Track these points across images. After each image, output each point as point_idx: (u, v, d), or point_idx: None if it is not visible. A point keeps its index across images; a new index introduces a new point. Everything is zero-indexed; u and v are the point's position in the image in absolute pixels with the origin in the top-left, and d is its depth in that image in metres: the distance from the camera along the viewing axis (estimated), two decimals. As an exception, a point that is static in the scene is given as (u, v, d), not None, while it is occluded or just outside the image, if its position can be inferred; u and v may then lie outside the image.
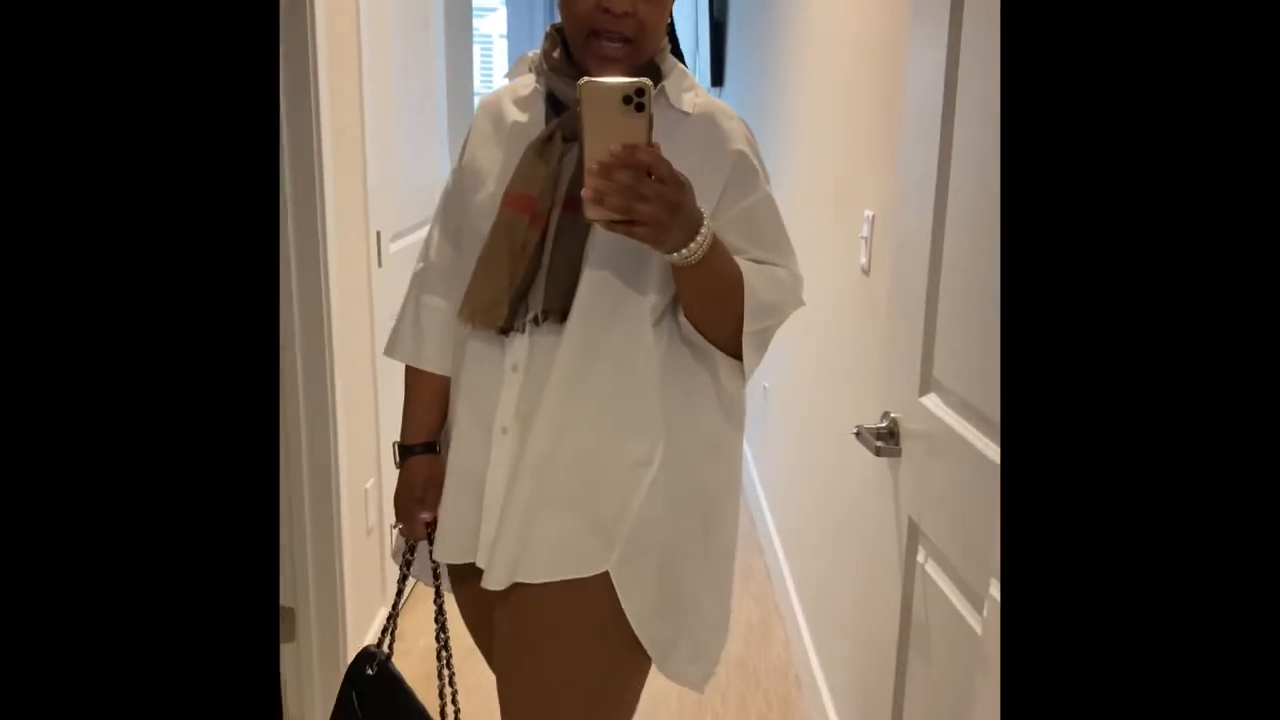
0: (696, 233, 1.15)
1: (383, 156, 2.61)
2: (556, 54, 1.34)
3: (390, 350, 1.53)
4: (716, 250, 1.20)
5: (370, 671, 1.52)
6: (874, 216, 1.89)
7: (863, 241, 1.93)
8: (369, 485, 2.56)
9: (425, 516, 1.47)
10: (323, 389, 2.19)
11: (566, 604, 1.33)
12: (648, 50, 1.29)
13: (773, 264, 1.32)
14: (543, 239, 1.27)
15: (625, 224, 1.11)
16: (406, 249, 2.80)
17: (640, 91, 1.08)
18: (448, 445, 1.43)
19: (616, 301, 1.28)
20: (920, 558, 1.44)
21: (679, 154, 1.20)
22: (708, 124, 1.32)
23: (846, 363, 2.05)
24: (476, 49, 6.52)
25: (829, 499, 2.34)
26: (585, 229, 1.25)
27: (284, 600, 2.25)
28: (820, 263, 2.42)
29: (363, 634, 2.47)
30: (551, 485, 1.31)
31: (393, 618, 1.58)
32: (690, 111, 1.32)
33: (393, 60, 2.70)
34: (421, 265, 1.50)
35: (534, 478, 1.31)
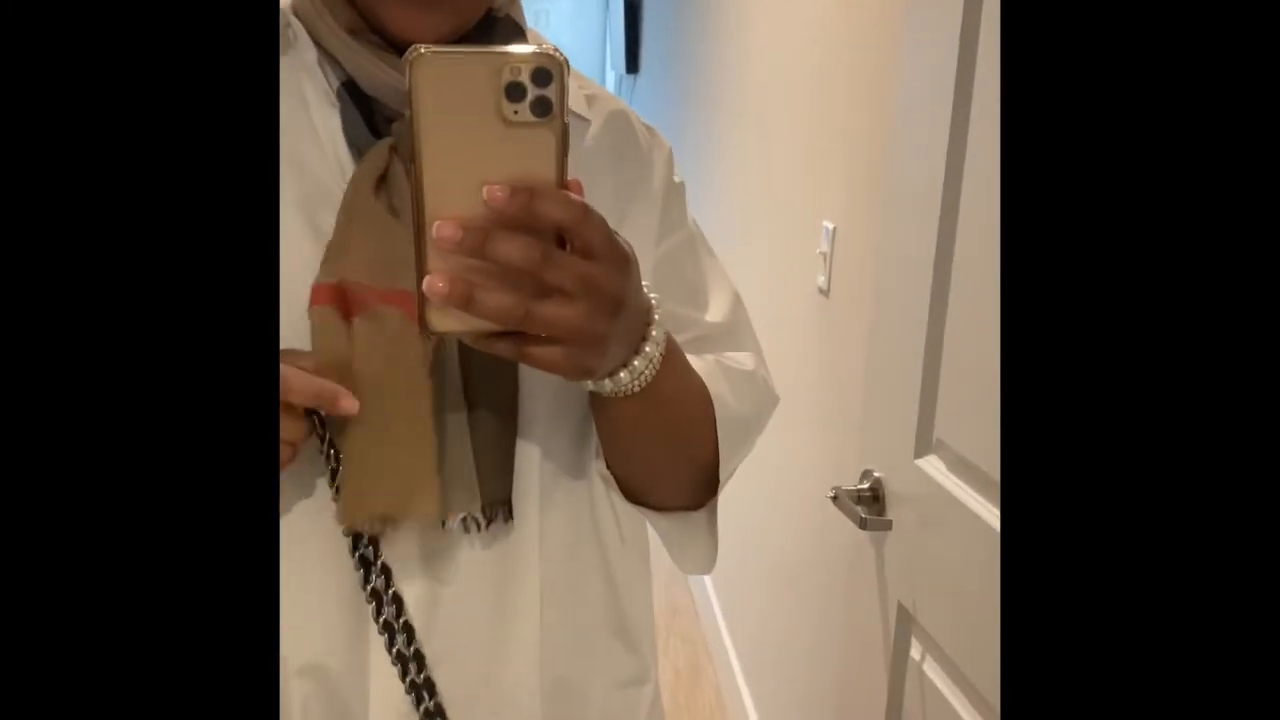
0: (644, 340, 0.64)
1: None
2: None
3: None
4: (674, 361, 0.69)
5: None
6: (835, 230, 1.63)
7: (821, 258, 1.68)
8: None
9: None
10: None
11: None
12: None
13: (720, 340, 0.84)
14: (442, 370, 0.68)
15: (515, 340, 0.57)
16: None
17: (541, 74, 0.53)
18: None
19: (572, 465, 0.76)
20: (915, 653, 1.19)
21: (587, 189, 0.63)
22: (625, 135, 0.81)
23: (805, 403, 1.79)
24: None
25: (775, 561, 2.09)
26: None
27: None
28: (766, 283, 2.14)
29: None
30: None
31: None
32: (587, 116, 0.79)
33: None
34: None
35: None
